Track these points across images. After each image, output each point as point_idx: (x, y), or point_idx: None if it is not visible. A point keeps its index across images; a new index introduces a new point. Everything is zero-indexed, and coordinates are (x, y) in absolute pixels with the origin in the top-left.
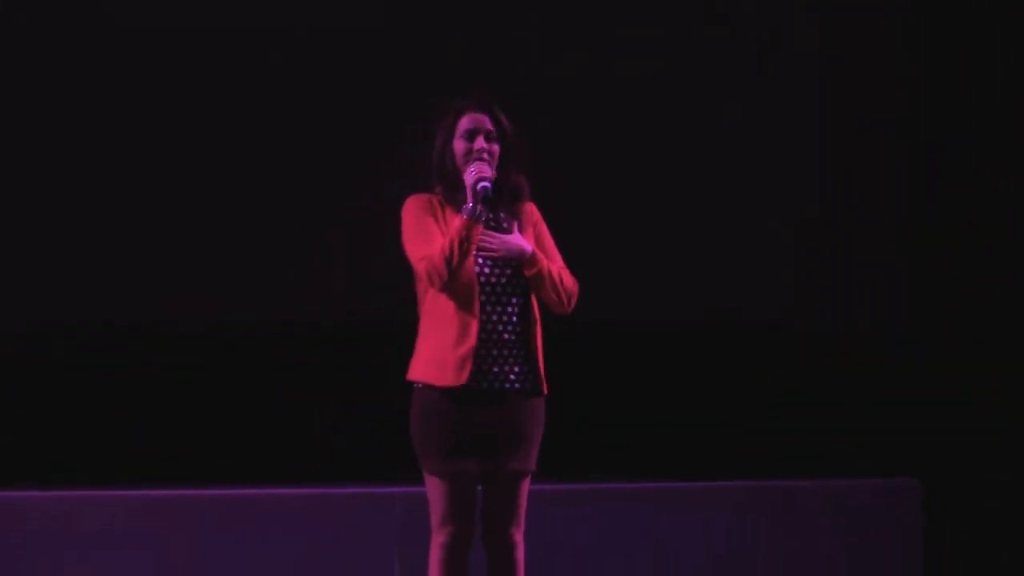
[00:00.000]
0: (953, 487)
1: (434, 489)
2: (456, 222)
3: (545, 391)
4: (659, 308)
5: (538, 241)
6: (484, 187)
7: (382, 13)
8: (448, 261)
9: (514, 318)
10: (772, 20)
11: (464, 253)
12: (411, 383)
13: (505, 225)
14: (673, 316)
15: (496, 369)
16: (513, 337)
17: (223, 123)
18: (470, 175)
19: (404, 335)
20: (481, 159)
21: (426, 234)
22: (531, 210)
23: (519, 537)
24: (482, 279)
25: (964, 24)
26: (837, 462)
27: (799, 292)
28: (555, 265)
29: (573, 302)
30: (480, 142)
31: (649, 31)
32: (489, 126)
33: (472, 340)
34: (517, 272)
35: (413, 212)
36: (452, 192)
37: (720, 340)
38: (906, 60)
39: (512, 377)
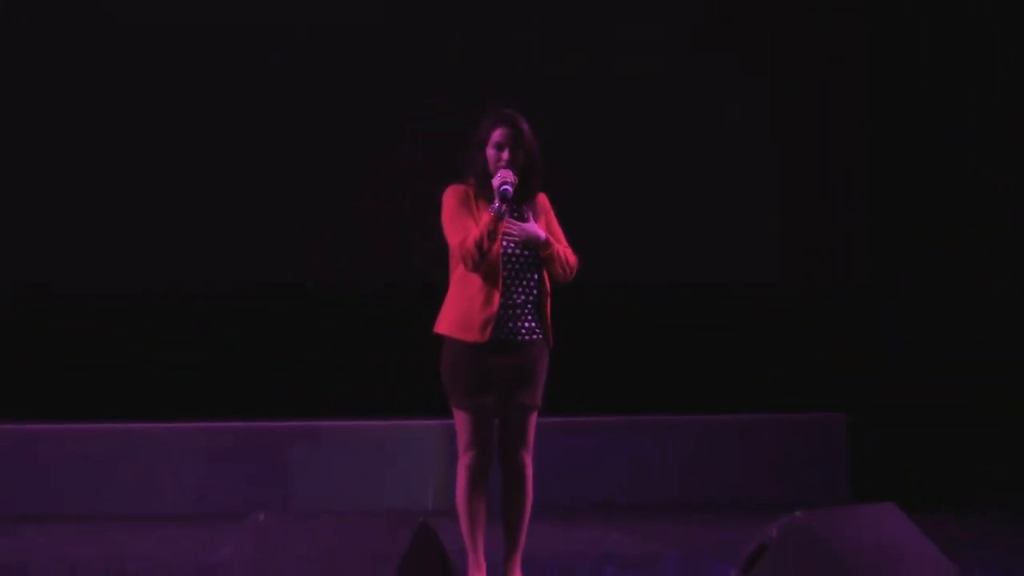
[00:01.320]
0: (875, 421)
1: (460, 420)
2: (485, 217)
3: (551, 344)
4: (638, 273)
5: (548, 227)
6: (505, 189)
7: (382, 13)
8: (479, 247)
9: (529, 287)
10: (763, 20)
11: (492, 241)
12: (440, 335)
13: (526, 215)
14: (652, 280)
15: (511, 325)
16: (528, 302)
17: (257, 109)
18: (496, 179)
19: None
20: (505, 167)
21: (462, 222)
22: (542, 201)
23: (528, 460)
24: (504, 257)
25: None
26: (782, 399)
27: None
28: (561, 247)
29: (573, 274)
30: (499, 153)
31: (646, 31)
32: (512, 139)
33: (495, 307)
34: (533, 252)
35: (451, 202)
36: (481, 186)
37: (700, 302)
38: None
39: (523, 331)
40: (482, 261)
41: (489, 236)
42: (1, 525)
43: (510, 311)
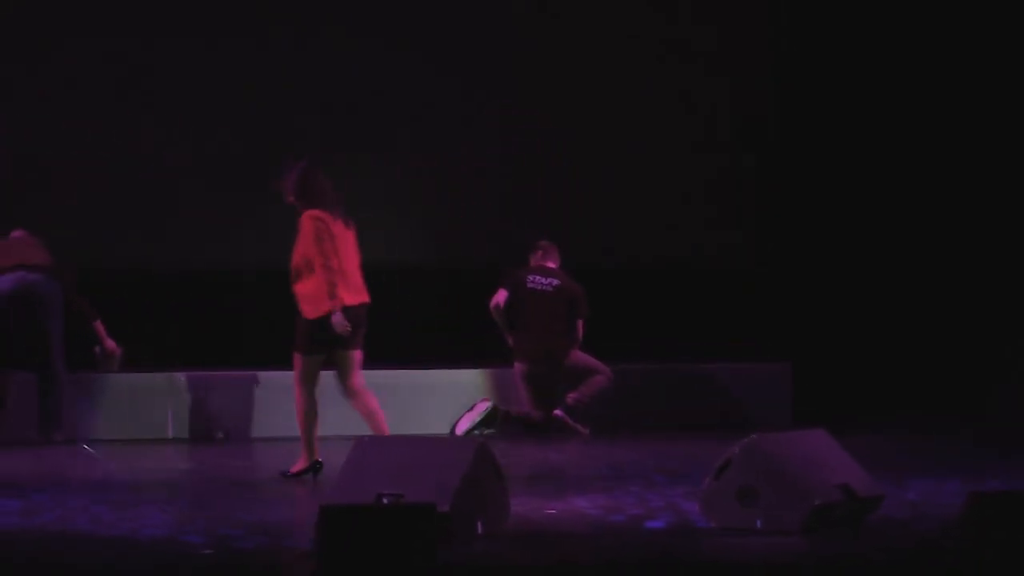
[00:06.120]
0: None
1: None
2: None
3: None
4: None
5: (299, 240)
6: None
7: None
8: None
9: None
10: (723, 21)
11: None
12: None
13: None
14: (625, 257)
15: None
16: None
17: None
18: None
19: None
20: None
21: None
22: (302, 222)
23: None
24: None
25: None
26: (737, 350)
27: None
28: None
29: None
30: None
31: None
32: None
33: None
34: None
35: None
36: None
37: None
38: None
39: None
40: None
41: None
42: (177, 444)
43: None
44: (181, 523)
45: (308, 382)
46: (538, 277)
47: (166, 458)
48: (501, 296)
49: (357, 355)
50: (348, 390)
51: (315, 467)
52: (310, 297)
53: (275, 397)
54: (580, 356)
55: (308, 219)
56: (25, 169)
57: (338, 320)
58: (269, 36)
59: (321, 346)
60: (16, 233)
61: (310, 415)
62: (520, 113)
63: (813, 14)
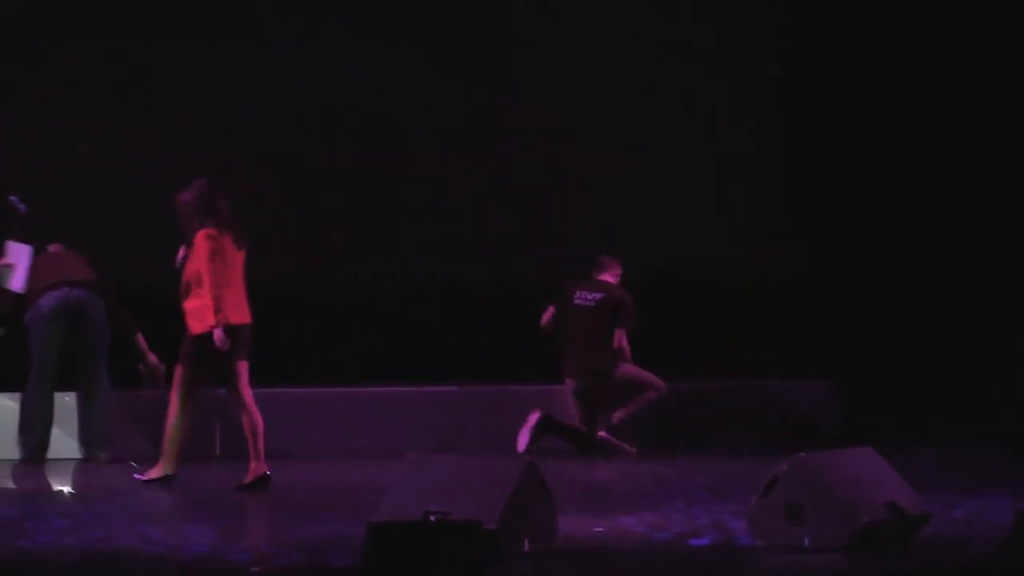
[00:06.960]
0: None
1: None
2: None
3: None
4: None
5: (192, 257)
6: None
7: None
8: None
9: None
10: (724, 24)
11: None
12: None
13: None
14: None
15: None
16: None
17: None
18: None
19: None
20: None
21: None
22: (197, 237)
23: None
24: None
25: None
26: (780, 367)
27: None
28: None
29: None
30: None
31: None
32: None
33: None
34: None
35: None
36: None
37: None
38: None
39: None
40: None
41: None
42: (223, 461)
43: None
44: (226, 540)
45: (185, 394)
46: (584, 292)
47: (211, 475)
48: (547, 314)
49: (244, 367)
50: (236, 402)
51: (168, 479)
52: (197, 313)
53: (313, 414)
54: (631, 370)
55: (202, 236)
56: (25, 169)
57: (219, 336)
58: (269, 36)
59: (204, 362)
60: (53, 247)
61: (177, 427)
62: (520, 113)
63: (813, 14)
